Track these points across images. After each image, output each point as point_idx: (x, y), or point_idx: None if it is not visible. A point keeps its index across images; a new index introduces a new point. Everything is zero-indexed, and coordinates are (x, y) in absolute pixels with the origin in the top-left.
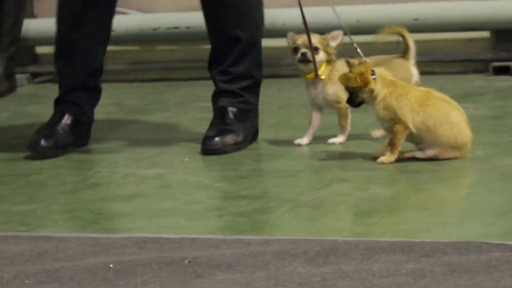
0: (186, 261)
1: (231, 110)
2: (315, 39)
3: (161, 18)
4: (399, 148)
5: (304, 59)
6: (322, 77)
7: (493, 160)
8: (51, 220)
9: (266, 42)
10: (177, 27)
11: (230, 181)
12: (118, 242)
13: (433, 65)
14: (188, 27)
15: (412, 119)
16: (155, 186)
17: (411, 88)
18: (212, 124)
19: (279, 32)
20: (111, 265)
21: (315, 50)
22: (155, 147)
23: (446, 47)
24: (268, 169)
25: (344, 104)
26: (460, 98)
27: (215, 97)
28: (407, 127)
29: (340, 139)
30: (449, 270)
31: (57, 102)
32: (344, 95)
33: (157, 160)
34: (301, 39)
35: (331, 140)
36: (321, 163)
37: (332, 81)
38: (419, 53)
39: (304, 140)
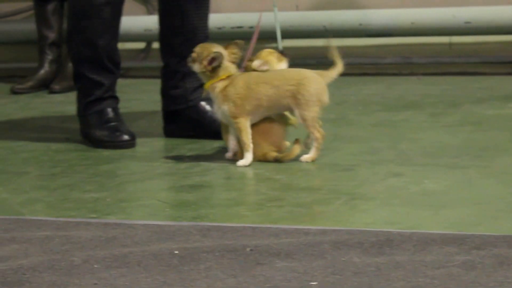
0: (248, 249)
1: None
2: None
3: (226, 18)
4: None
5: None
6: (205, 87)
7: None
8: (120, 208)
9: (320, 42)
10: (241, 27)
11: (290, 174)
12: (183, 229)
13: (483, 66)
14: (251, 27)
15: None
16: (219, 177)
17: None
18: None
19: (337, 33)
20: (176, 252)
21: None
22: (219, 140)
23: (495, 49)
24: (326, 162)
25: (240, 120)
26: (508, 98)
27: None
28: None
29: (245, 161)
30: (498, 262)
31: (96, 100)
32: (238, 111)
33: (221, 153)
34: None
35: (239, 163)
36: (376, 158)
37: (226, 97)
38: (469, 55)
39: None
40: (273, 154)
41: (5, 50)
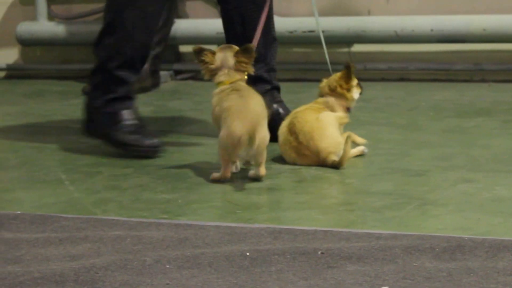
0: (319, 252)
1: None
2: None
3: (298, 22)
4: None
5: None
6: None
7: None
8: (191, 209)
9: (396, 47)
10: (312, 31)
11: (360, 178)
12: (254, 232)
13: None
14: (322, 31)
15: None
16: (290, 180)
17: None
18: None
19: (409, 38)
20: (248, 253)
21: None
22: None
23: None
24: (397, 167)
25: None
26: None
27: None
28: None
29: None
30: None
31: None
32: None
33: None
34: None
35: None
36: (447, 164)
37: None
38: None
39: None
40: (332, 158)
41: (77, 51)
